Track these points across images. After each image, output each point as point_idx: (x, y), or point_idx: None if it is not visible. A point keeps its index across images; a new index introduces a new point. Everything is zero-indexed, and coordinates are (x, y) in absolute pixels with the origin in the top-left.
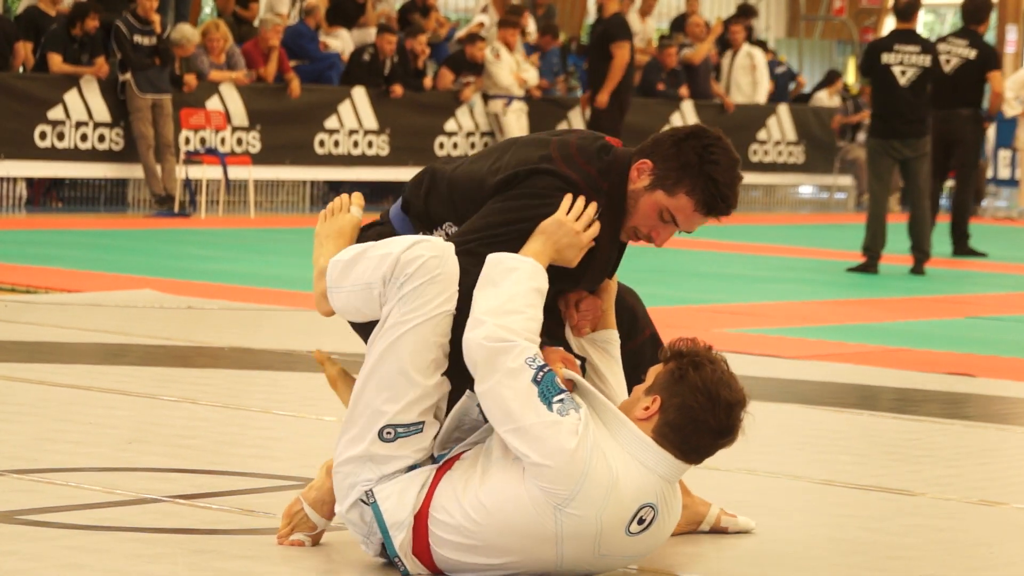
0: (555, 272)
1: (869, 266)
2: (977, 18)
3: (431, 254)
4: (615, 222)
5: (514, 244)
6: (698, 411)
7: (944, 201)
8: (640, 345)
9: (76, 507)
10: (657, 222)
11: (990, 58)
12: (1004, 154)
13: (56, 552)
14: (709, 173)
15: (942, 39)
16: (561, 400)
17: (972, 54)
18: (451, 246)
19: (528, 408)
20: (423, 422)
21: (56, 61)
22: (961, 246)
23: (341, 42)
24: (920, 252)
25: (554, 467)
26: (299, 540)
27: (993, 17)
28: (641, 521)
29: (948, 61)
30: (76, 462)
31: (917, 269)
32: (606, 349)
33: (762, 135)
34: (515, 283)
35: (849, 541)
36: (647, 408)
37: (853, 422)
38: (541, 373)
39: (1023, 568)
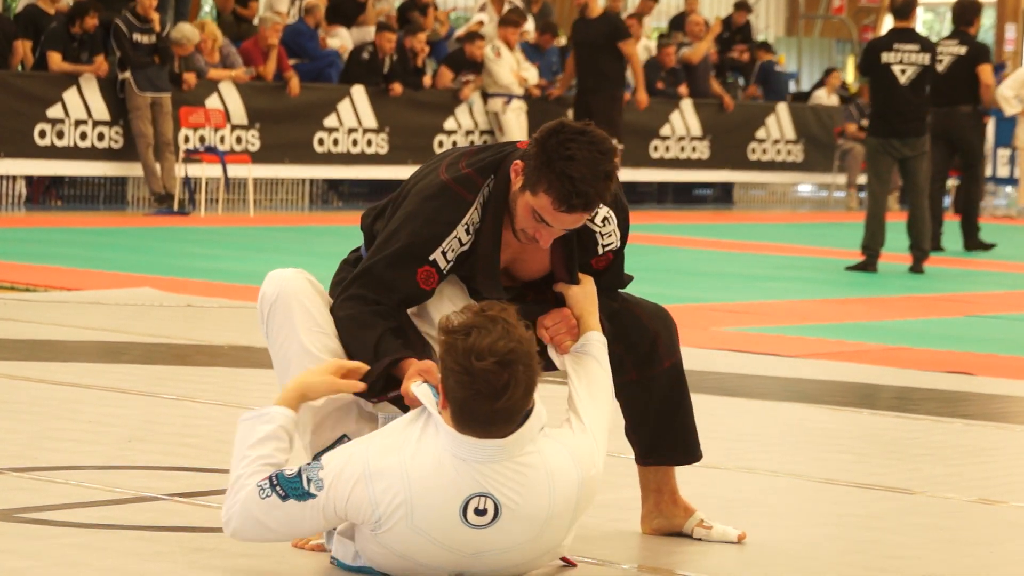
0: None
1: (868, 264)
2: (965, 20)
3: (265, 287)
4: (497, 223)
5: (400, 260)
6: (463, 386)
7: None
8: (655, 376)
9: (76, 505)
10: (533, 222)
11: (980, 52)
12: (1003, 152)
13: (56, 550)
14: (563, 169)
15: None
16: (296, 488)
17: (962, 50)
18: (285, 271)
19: (286, 516)
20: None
21: (55, 59)
22: (972, 240)
23: (340, 40)
24: (919, 250)
25: (325, 519)
26: (319, 545)
27: (992, 16)
28: (480, 512)
29: (940, 61)
30: (76, 460)
31: (916, 268)
32: (581, 350)
33: (761, 134)
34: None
35: (849, 540)
36: (442, 399)
37: (853, 421)
38: (269, 487)
39: (1022, 567)
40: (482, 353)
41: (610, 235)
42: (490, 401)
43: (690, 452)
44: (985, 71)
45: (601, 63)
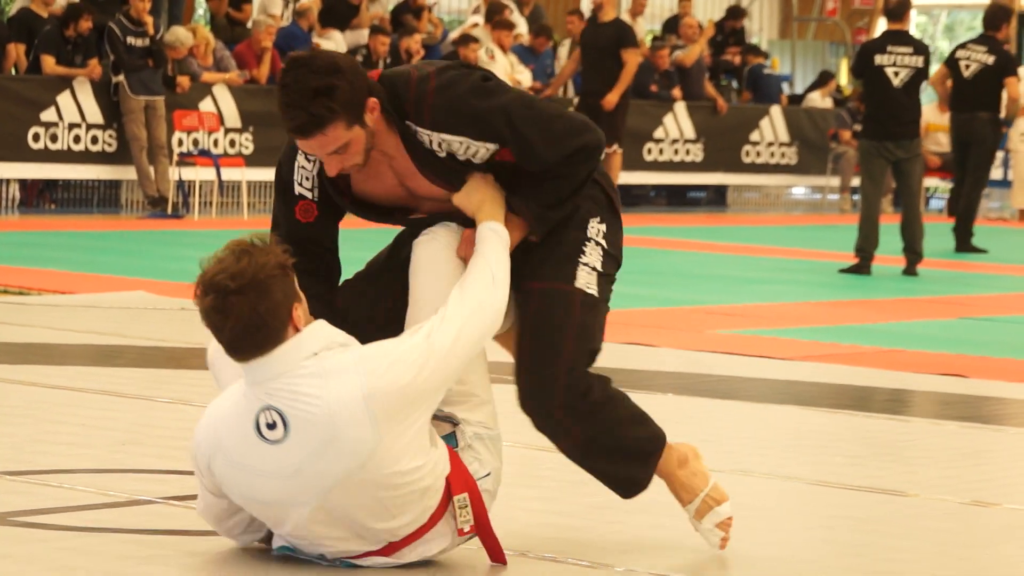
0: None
1: (862, 267)
2: (994, 24)
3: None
4: None
5: (280, 199)
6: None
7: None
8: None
9: (69, 509)
10: None
11: (1007, 64)
12: (997, 155)
13: (49, 554)
14: (279, 100)
15: (962, 45)
16: None
17: (990, 60)
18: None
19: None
20: None
21: (49, 63)
22: (964, 243)
23: (334, 43)
24: (913, 253)
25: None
26: None
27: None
28: (271, 426)
29: (968, 67)
30: (69, 464)
31: (910, 270)
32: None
33: (755, 136)
34: None
35: (843, 543)
36: None
37: (847, 423)
38: None
39: (1017, 569)
40: (205, 289)
41: (450, 147)
42: (218, 332)
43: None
44: (1012, 84)
45: (608, 68)
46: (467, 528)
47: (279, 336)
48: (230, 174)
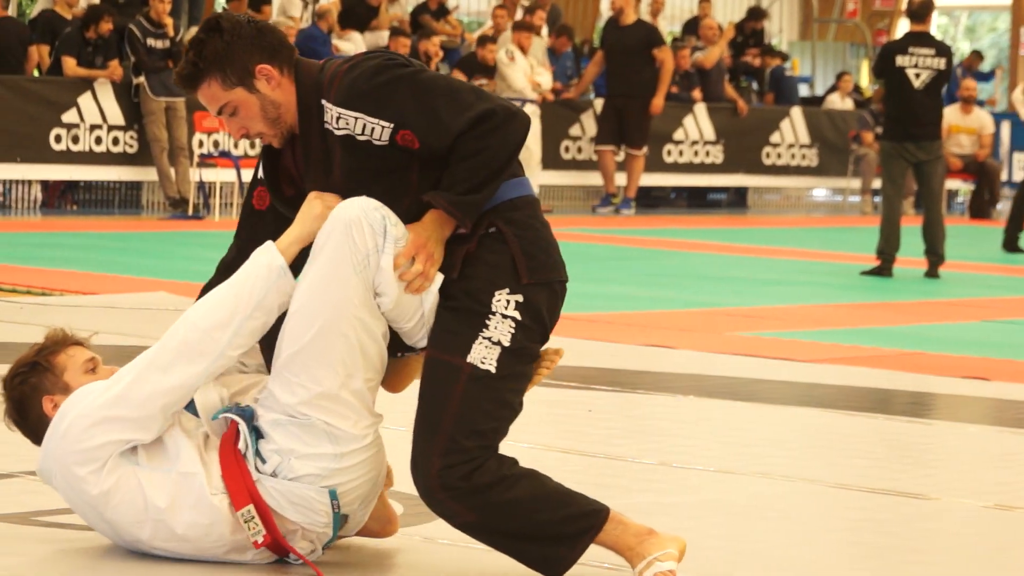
0: None
1: (883, 269)
2: None
3: None
4: None
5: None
6: None
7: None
8: None
9: None
10: None
11: None
12: (1019, 156)
13: (70, 554)
14: None
15: None
16: None
17: None
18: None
19: None
20: None
21: (70, 64)
22: (1011, 243)
23: (353, 45)
24: (934, 255)
25: None
26: None
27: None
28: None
29: None
30: None
31: (931, 272)
32: None
33: (775, 138)
34: None
35: (864, 545)
36: None
37: (867, 426)
38: None
39: None
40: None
41: (354, 127)
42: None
43: None
44: None
45: (635, 70)
46: (260, 540)
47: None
48: (250, 175)
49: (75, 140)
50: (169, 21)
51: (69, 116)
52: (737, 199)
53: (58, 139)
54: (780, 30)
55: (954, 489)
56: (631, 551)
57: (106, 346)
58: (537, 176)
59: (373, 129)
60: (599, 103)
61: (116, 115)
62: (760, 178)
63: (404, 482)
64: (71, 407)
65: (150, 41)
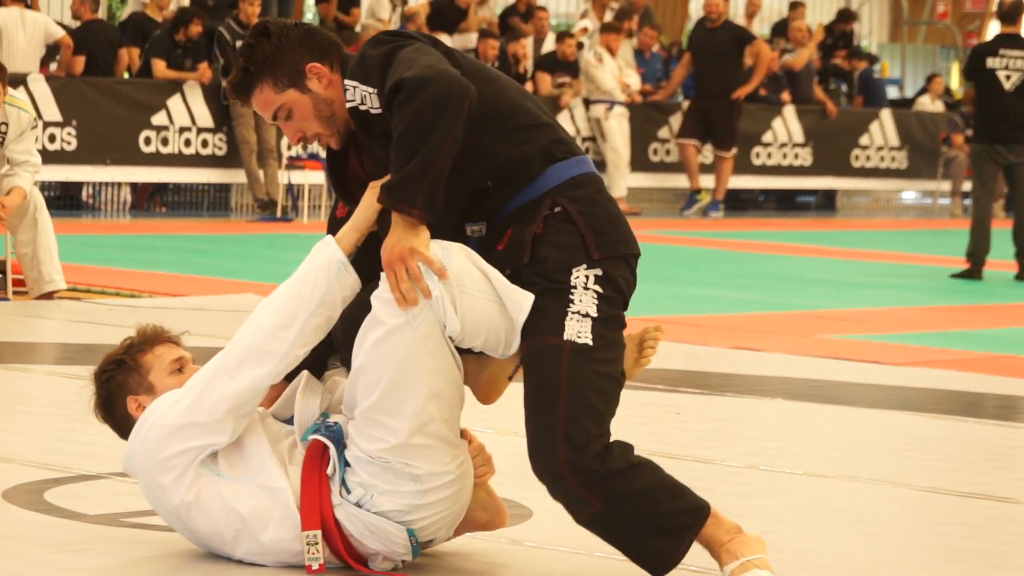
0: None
1: (973, 272)
2: None
3: None
4: None
5: None
6: None
7: None
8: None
9: None
10: None
11: None
12: None
13: (158, 556)
14: None
15: None
16: None
17: None
18: None
19: None
20: None
21: (160, 67)
22: None
23: None
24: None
25: None
26: None
27: None
28: None
29: None
30: None
31: (1021, 275)
32: None
33: (864, 140)
34: None
35: (952, 549)
36: None
37: (957, 429)
38: None
39: None
40: None
41: (355, 96)
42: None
43: None
44: None
45: (724, 71)
46: (315, 566)
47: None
48: None
49: (164, 142)
50: None
51: (158, 118)
52: (826, 202)
53: (147, 141)
54: (870, 32)
55: None
56: (721, 547)
57: (194, 347)
58: (625, 178)
59: (364, 96)
60: (687, 105)
61: (205, 117)
62: (849, 181)
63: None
64: (150, 414)
65: (239, 43)
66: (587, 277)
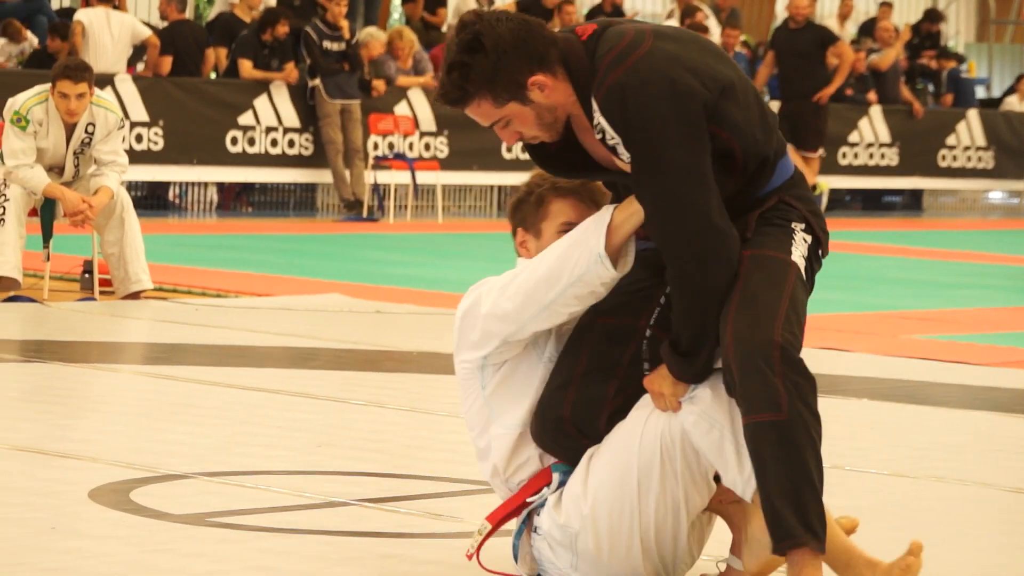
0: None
1: None
2: None
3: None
4: None
5: None
6: None
7: None
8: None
9: (265, 510)
10: None
11: None
12: None
13: (245, 554)
14: None
15: None
16: None
17: None
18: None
19: None
20: None
21: (246, 67)
22: None
23: None
24: None
25: None
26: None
27: None
28: None
29: None
30: (265, 465)
31: None
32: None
33: (951, 140)
34: None
35: None
36: None
37: None
38: None
39: None
40: None
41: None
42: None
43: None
44: None
45: (808, 72)
46: (470, 551)
47: None
48: (425, 177)
49: (251, 142)
50: (345, 24)
51: (245, 118)
52: (912, 201)
53: (234, 141)
54: (956, 32)
55: None
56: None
57: (281, 347)
58: None
59: (614, 142)
60: (774, 105)
61: (292, 117)
62: (936, 180)
63: None
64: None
65: (326, 44)
66: (803, 236)
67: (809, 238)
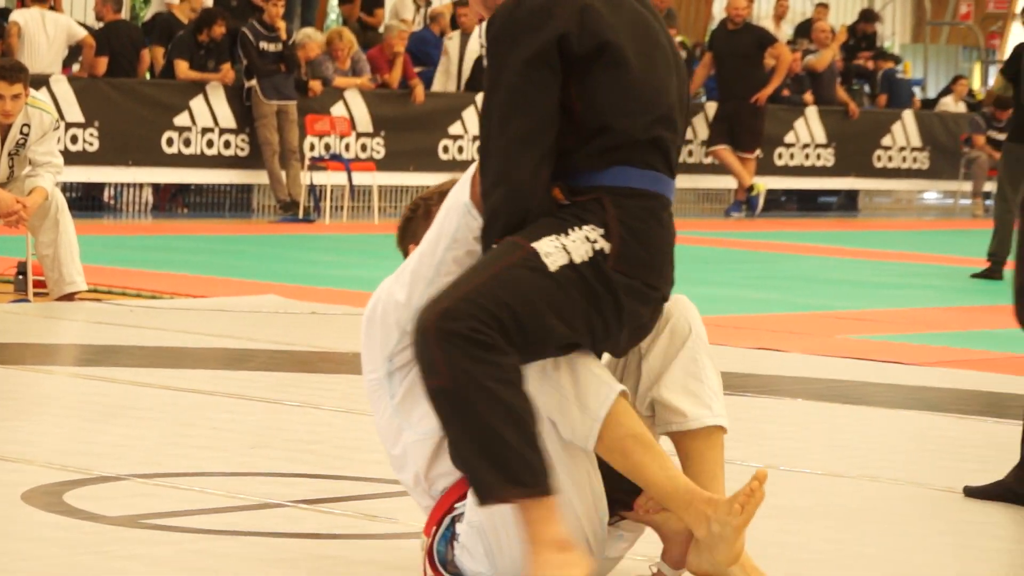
0: None
1: (993, 272)
2: None
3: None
4: None
5: None
6: None
7: None
8: None
9: (199, 511)
10: None
11: None
12: None
13: (179, 556)
14: None
15: None
16: None
17: None
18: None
19: None
20: None
21: (183, 68)
22: None
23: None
24: None
25: None
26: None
27: None
28: None
29: None
30: (200, 467)
31: None
32: None
33: (887, 141)
34: None
35: (973, 549)
36: None
37: (977, 429)
38: None
39: None
40: None
41: None
42: None
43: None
44: None
45: (747, 73)
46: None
47: None
48: (361, 178)
49: (187, 143)
50: (282, 24)
51: (181, 119)
52: (848, 202)
53: (170, 142)
54: (892, 33)
55: None
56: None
57: (216, 349)
58: None
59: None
60: (711, 106)
61: (228, 118)
62: (871, 181)
63: None
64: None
65: (263, 44)
66: (595, 237)
67: (601, 246)
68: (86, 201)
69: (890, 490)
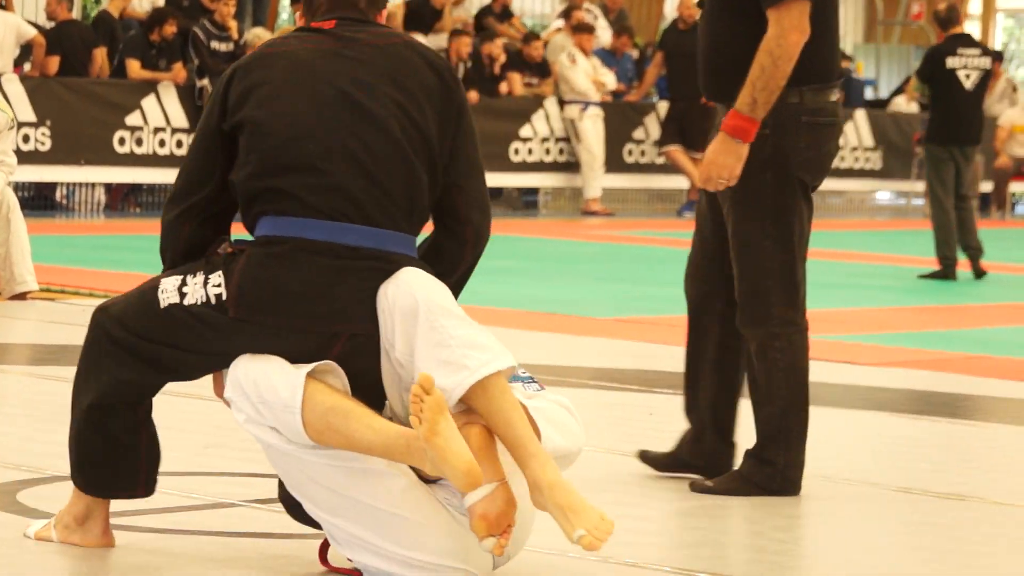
0: None
1: (947, 272)
2: None
3: None
4: None
5: None
6: None
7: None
8: None
9: (153, 511)
10: None
11: None
12: None
13: (132, 556)
14: None
15: None
16: None
17: None
18: None
19: None
20: None
21: (134, 67)
22: None
23: None
24: (974, 250)
25: None
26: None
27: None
28: None
29: None
30: None
31: (976, 269)
32: None
33: (839, 141)
34: None
35: (926, 549)
36: None
37: (931, 429)
38: None
39: None
40: None
41: None
42: None
43: None
44: None
45: (696, 74)
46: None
47: None
48: None
49: (139, 143)
50: (233, 24)
51: (133, 119)
52: None
53: (122, 142)
54: (844, 33)
55: (1018, 493)
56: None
57: None
58: (599, 179)
59: None
60: (662, 106)
61: (180, 118)
62: (824, 180)
63: None
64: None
65: (214, 44)
66: (217, 283)
67: (220, 292)
68: (38, 200)
69: (843, 489)
